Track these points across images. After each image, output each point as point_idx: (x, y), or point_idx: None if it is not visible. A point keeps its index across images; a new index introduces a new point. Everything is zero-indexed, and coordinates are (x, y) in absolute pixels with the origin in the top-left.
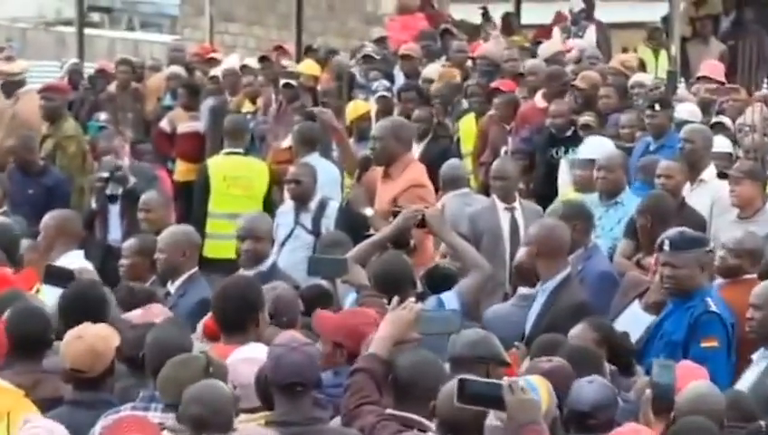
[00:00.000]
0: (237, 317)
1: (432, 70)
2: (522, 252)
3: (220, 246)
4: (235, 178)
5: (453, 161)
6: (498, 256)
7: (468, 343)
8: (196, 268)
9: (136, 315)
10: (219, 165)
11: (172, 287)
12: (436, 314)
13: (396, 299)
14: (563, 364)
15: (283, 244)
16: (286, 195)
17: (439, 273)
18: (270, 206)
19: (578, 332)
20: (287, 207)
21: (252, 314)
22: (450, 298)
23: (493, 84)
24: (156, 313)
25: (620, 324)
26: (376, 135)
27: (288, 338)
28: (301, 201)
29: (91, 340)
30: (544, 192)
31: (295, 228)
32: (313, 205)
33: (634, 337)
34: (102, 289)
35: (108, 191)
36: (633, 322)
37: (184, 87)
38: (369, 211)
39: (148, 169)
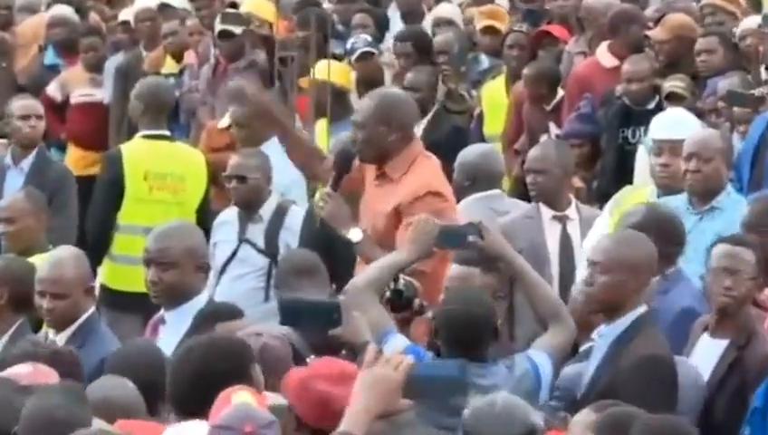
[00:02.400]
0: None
1: (447, 9)
2: (580, 282)
3: (131, 273)
4: (162, 177)
5: (483, 148)
6: None
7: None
8: (93, 309)
9: (22, 374)
10: (139, 155)
11: (60, 338)
12: (434, 373)
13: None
14: None
15: (222, 269)
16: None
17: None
18: (204, 216)
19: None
20: (229, 216)
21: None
22: (543, 361)
23: (538, 30)
24: (46, 372)
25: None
26: (357, 120)
27: (241, 416)
28: (247, 207)
29: None
30: (614, 192)
31: (240, 247)
32: (266, 213)
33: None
34: None
35: None
36: (703, 354)
37: (75, 37)
38: (355, 234)
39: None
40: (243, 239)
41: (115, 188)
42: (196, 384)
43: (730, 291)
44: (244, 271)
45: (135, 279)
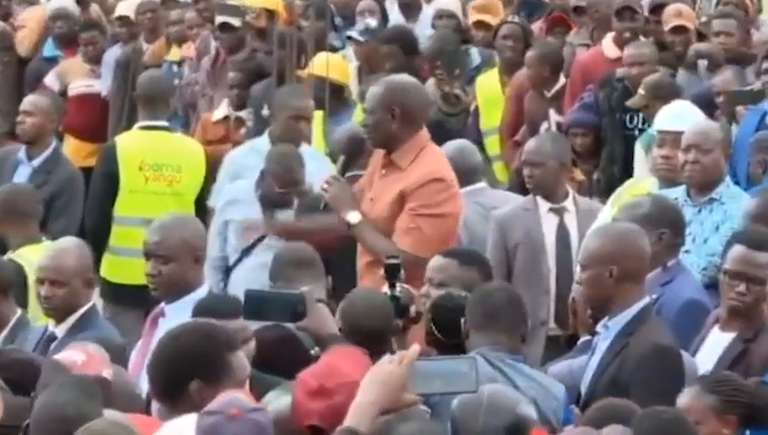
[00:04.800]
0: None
1: (447, 1)
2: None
3: (130, 266)
4: (158, 168)
5: (459, 143)
6: (539, 280)
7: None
8: (92, 303)
9: (75, 363)
10: (133, 146)
11: (59, 330)
12: (440, 366)
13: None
14: None
15: (247, 251)
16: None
17: (454, 304)
18: (203, 208)
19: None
20: (244, 194)
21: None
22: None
23: (538, 23)
24: (100, 360)
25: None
26: (367, 106)
27: (227, 401)
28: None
29: None
30: (618, 184)
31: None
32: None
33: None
34: None
35: None
36: (712, 347)
37: (74, 30)
38: (354, 217)
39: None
40: None
41: (111, 181)
42: (171, 369)
43: (743, 296)
44: (268, 256)
45: (134, 271)
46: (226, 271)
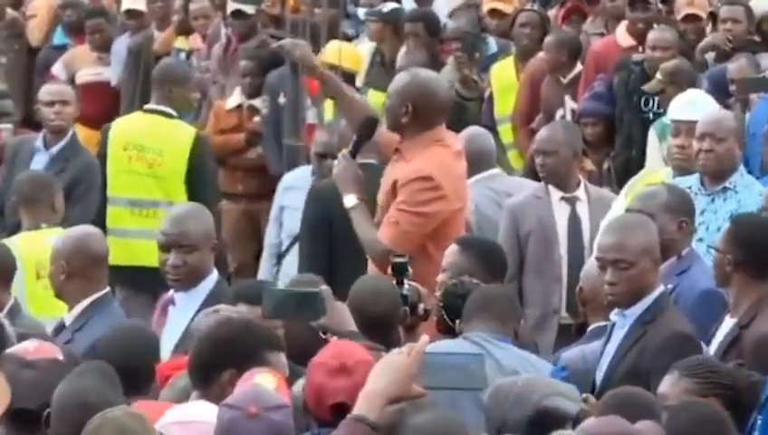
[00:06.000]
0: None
1: None
2: (589, 266)
3: (124, 246)
4: (141, 149)
5: (472, 129)
6: (550, 268)
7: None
8: (107, 289)
9: (27, 350)
10: (124, 127)
11: (68, 317)
12: (450, 361)
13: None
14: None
15: (296, 240)
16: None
17: (465, 291)
18: (196, 192)
19: (666, 384)
20: (300, 180)
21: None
22: None
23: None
24: (50, 349)
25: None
26: (389, 89)
27: (249, 396)
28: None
29: None
30: (634, 173)
31: None
32: None
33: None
34: None
35: None
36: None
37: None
38: (350, 200)
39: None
40: None
41: (104, 162)
42: (195, 358)
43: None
44: None
45: (127, 253)
46: (279, 257)
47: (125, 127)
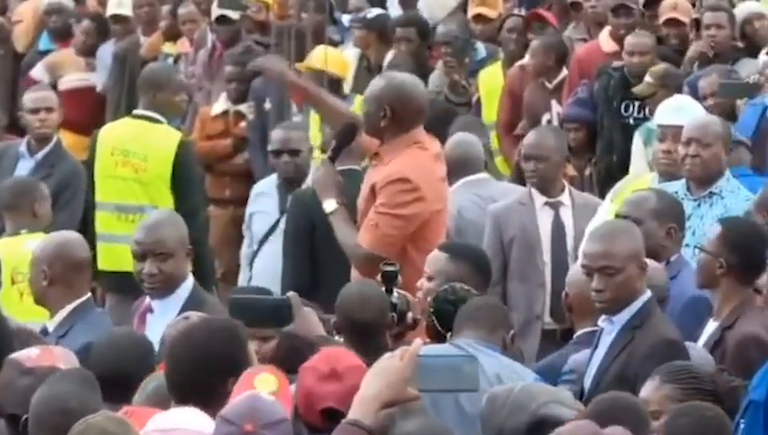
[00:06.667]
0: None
1: None
2: (574, 272)
3: (113, 252)
4: (126, 154)
5: (459, 135)
6: (534, 274)
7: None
8: (89, 295)
9: (29, 357)
10: (111, 132)
11: (50, 324)
12: (443, 363)
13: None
14: None
15: (264, 240)
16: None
17: (456, 297)
18: (182, 198)
19: (647, 390)
20: (266, 187)
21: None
22: None
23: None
24: (58, 355)
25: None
26: (365, 94)
27: (246, 411)
28: (293, 181)
29: None
30: (616, 178)
31: (282, 219)
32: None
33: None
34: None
35: None
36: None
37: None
38: (329, 205)
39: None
40: (284, 211)
41: (92, 167)
42: (196, 371)
43: None
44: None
45: (115, 258)
46: (250, 262)
47: (113, 132)
